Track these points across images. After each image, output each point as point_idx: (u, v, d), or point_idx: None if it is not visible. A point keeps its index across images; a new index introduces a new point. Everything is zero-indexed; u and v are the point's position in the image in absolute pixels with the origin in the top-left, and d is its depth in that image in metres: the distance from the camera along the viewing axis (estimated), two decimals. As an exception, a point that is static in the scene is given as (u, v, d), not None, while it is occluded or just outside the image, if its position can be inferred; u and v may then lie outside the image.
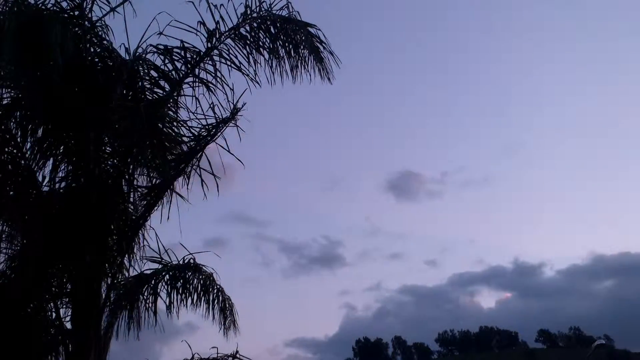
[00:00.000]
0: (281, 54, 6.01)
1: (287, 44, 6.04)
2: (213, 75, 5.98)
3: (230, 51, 6.02)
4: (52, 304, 5.82)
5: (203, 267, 6.66)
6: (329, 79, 6.10)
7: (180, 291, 6.51)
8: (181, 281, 6.55)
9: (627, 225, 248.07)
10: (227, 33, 5.99)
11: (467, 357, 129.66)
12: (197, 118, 6.08)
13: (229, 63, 6.01)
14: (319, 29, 6.15)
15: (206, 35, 5.93)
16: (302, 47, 6.06)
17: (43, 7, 5.15)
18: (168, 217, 5.86)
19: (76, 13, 5.50)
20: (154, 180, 5.97)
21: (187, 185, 6.01)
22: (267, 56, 6.00)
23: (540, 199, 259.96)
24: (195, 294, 6.57)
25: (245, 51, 6.02)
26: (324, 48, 6.11)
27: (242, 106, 5.99)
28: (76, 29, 5.43)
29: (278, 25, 6.05)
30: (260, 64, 6.01)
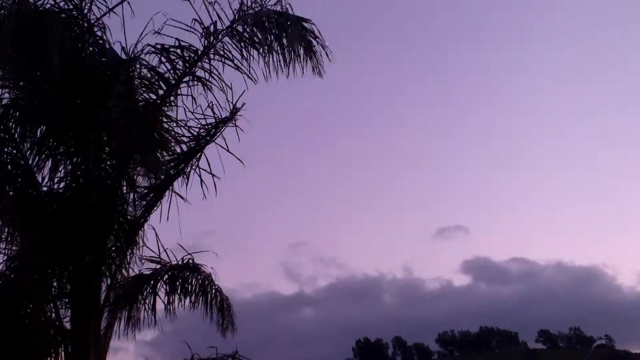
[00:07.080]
0: (275, 48, 6.01)
1: (281, 38, 6.04)
2: (211, 74, 5.99)
3: (226, 48, 6.02)
4: (52, 304, 5.82)
5: (202, 267, 6.66)
6: (319, 72, 6.10)
7: (179, 291, 6.52)
8: (180, 281, 6.56)
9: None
10: (224, 31, 5.98)
11: (467, 357, 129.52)
12: (196, 118, 6.10)
13: (226, 61, 6.01)
14: (314, 24, 6.14)
15: (203, 33, 5.93)
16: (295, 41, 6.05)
17: (42, 7, 5.16)
18: (167, 217, 5.87)
19: (75, 13, 5.51)
20: (153, 180, 5.98)
21: (187, 185, 6.03)
22: (261, 51, 5.99)
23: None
24: (194, 294, 6.58)
25: (240, 45, 6.01)
26: (317, 42, 6.10)
27: (242, 106, 6.00)
28: (75, 29, 5.44)
29: (272, 20, 6.05)
30: (255, 58, 5.99)
